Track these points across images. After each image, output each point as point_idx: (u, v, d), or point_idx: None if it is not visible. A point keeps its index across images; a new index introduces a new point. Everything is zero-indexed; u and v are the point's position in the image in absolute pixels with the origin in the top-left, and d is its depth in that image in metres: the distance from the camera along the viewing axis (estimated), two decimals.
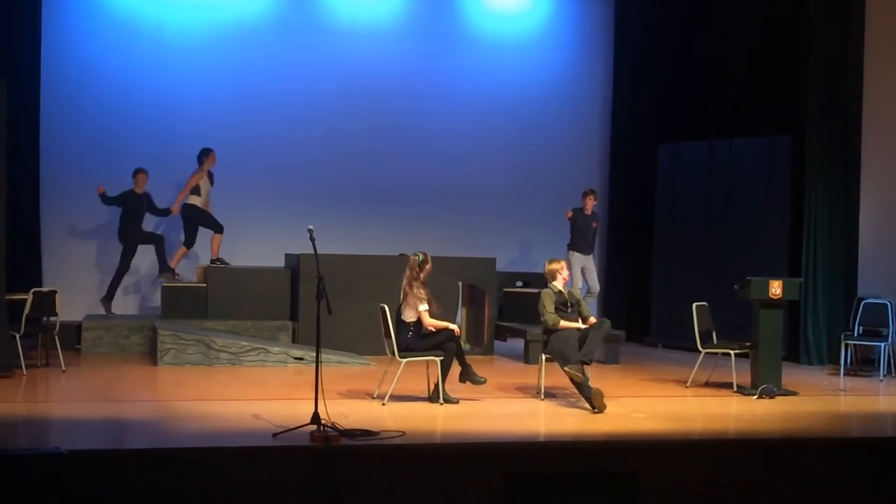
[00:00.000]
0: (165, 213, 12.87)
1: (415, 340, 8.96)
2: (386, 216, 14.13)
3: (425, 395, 9.01)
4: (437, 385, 8.86)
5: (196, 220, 12.71)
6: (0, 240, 9.73)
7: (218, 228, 12.73)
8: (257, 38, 13.93)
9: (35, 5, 12.93)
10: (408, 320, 8.98)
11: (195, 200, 12.64)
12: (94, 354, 11.60)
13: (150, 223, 13.06)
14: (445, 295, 10.99)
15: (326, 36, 14.20)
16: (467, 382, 9.01)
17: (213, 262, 12.74)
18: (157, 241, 12.81)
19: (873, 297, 11.60)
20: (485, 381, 9.07)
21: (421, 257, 9.09)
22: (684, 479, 7.10)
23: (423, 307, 8.93)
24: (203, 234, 12.82)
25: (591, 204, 13.05)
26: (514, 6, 15.05)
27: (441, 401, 8.78)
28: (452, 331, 8.94)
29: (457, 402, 8.83)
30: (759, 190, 13.34)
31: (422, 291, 8.96)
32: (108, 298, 12.56)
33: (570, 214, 12.97)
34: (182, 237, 12.85)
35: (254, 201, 13.13)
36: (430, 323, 8.95)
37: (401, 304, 9.03)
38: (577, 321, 9.20)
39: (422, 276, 9.04)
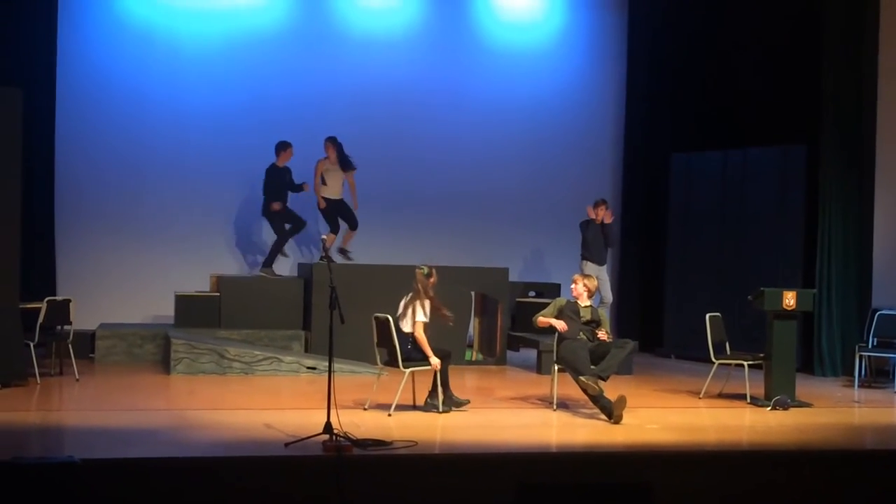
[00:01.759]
0: (298, 188, 12.91)
1: (413, 351, 8.98)
2: (398, 225, 14.10)
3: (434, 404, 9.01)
4: (436, 390, 8.90)
5: (330, 211, 12.81)
6: (15, 248, 9.79)
7: (353, 224, 12.91)
8: (271, 48, 13.95)
9: (51, 16, 12.99)
10: (406, 331, 9.01)
11: (326, 192, 12.76)
12: (107, 363, 11.64)
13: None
14: (457, 305, 10.97)
15: (341, 46, 14.20)
16: (452, 409, 8.93)
17: (340, 251, 12.81)
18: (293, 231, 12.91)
19: (888, 309, 11.54)
20: (468, 402, 9.06)
21: (426, 270, 9.11)
22: (697, 490, 7.07)
23: (420, 319, 8.93)
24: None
25: (601, 214, 13.02)
26: (527, 16, 15.05)
27: (451, 407, 8.82)
28: (433, 364, 8.88)
29: (445, 412, 8.79)
30: (773, 200, 13.28)
31: (419, 304, 8.95)
32: (267, 265, 12.70)
33: (592, 215, 12.78)
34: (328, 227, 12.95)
35: None
36: (421, 339, 8.92)
37: (400, 315, 9.02)
38: (571, 324, 9.09)
39: (428, 289, 9.06)
